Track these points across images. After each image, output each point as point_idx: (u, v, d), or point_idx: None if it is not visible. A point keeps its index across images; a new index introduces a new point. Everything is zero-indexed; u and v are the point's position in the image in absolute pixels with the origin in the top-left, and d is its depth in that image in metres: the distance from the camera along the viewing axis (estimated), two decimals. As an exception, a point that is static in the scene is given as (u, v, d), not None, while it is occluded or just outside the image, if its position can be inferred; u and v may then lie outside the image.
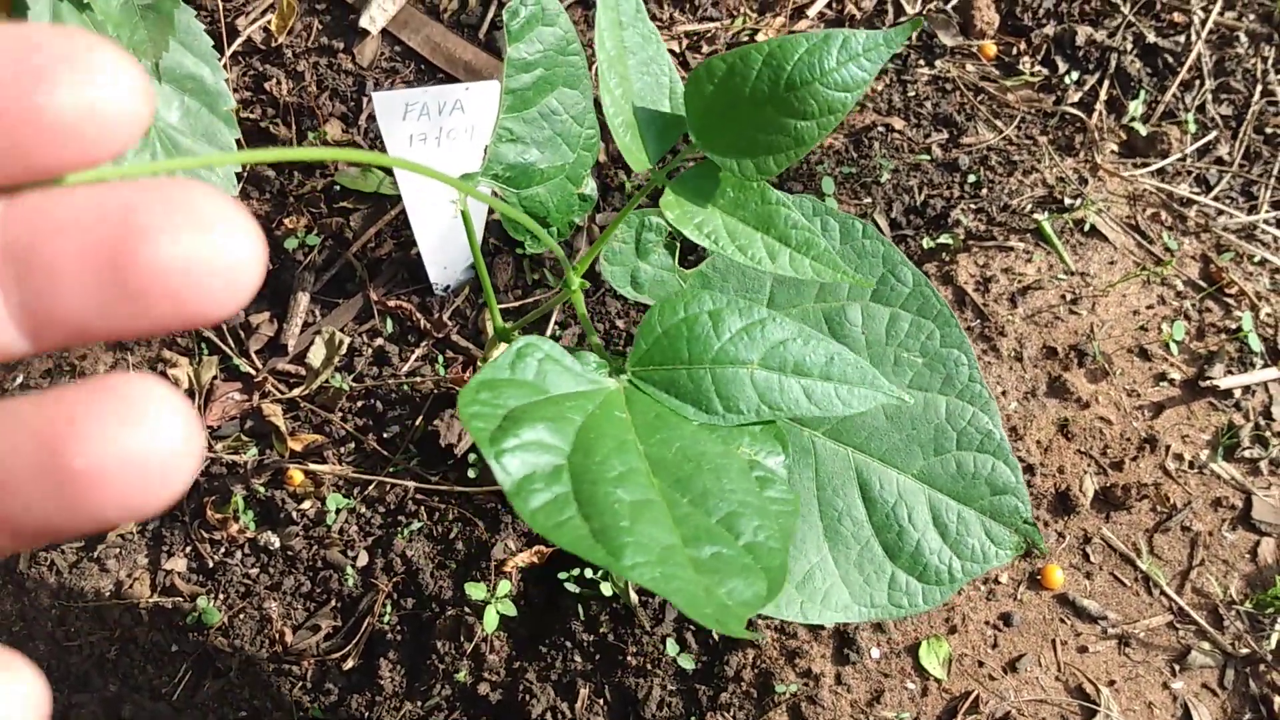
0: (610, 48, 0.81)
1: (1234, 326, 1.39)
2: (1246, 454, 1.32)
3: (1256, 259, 1.44)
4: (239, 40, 1.55)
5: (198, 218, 0.23)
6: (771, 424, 0.74)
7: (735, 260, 0.88)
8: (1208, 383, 1.35)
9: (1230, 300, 1.41)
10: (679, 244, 1.00)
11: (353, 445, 1.34)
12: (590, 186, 1.00)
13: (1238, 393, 1.35)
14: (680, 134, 0.84)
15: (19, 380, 1.37)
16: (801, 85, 0.76)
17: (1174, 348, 1.38)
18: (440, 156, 1.28)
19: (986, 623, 1.24)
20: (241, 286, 0.23)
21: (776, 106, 0.77)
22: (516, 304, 1.40)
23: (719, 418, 0.72)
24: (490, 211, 1.43)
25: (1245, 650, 1.23)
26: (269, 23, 1.57)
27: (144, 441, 0.23)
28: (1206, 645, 1.23)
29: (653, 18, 1.59)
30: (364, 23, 1.56)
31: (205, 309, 0.23)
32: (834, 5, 1.62)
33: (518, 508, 0.57)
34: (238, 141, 1.02)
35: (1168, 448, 1.33)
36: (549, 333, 1.38)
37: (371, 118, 1.52)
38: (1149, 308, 1.41)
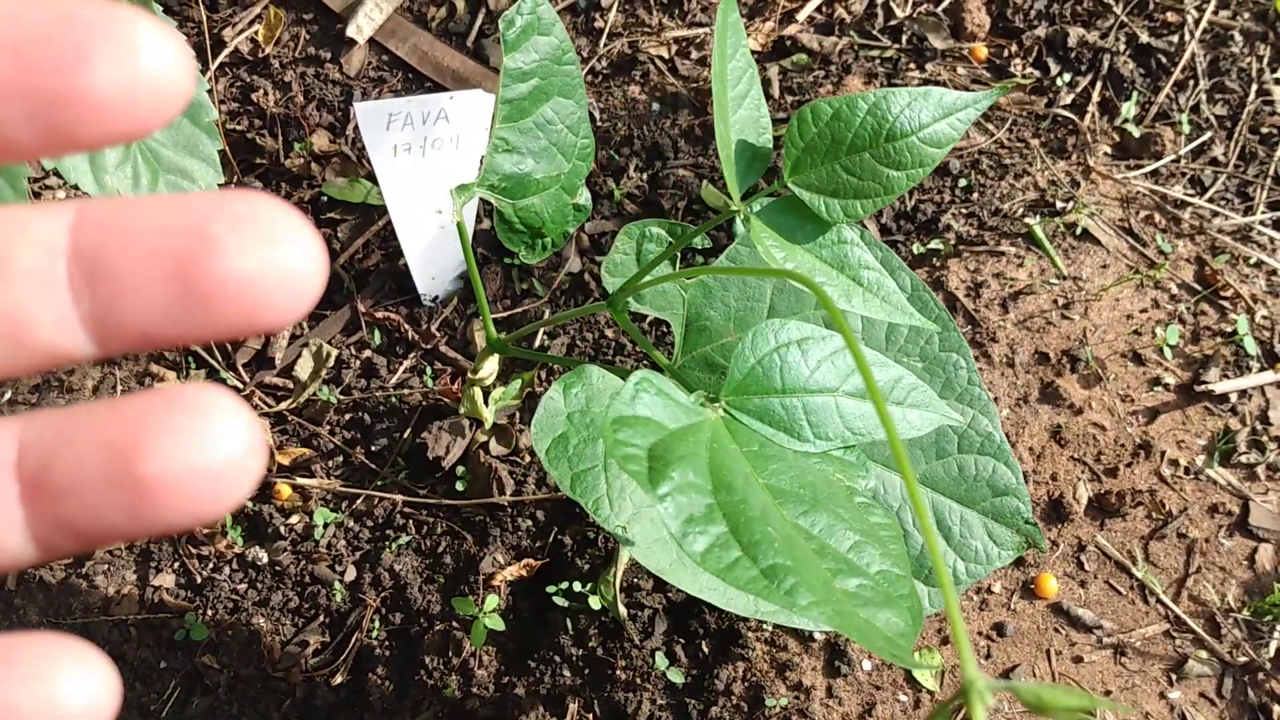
0: (719, 78, 0.83)
1: (1229, 330, 1.38)
2: (1243, 459, 1.31)
3: (1252, 261, 1.43)
4: (225, 51, 1.55)
5: (265, 230, 0.24)
6: (853, 448, 0.75)
7: (754, 265, 0.88)
8: (1203, 387, 1.33)
9: (1225, 303, 1.40)
10: (678, 255, 0.99)
11: (341, 458, 1.33)
12: (585, 196, 0.99)
13: (1234, 397, 1.34)
14: (766, 168, 0.85)
15: (7, 396, 1.37)
16: (900, 137, 0.79)
17: (1168, 352, 1.36)
18: (425, 166, 1.27)
19: (980, 633, 1.23)
20: (305, 294, 0.24)
21: (874, 154, 0.80)
22: (505, 314, 1.39)
23: (810, 445, 0.73)
24: (478, 220, 1.42)
25: (1244, 659, 1.22)
26: (256, 33, 1.56)
27: (212, 449, 0.24)
28: (1204, 654, 1.22)
29: (641, 24, 1.58)
30: (351, 32, 1.55)
31: (270, 317, 0.24)
32: (823, 9, 1.61)
33: (686, 551, 0.58)
34: (221, 152, 1.01)
35: (1163, 453, 1.31)
36: (537, 344, 1.37)
37: (359, 128, 1.51)
38: (1142, 311, 1.39)
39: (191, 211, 0.24)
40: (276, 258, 0.24)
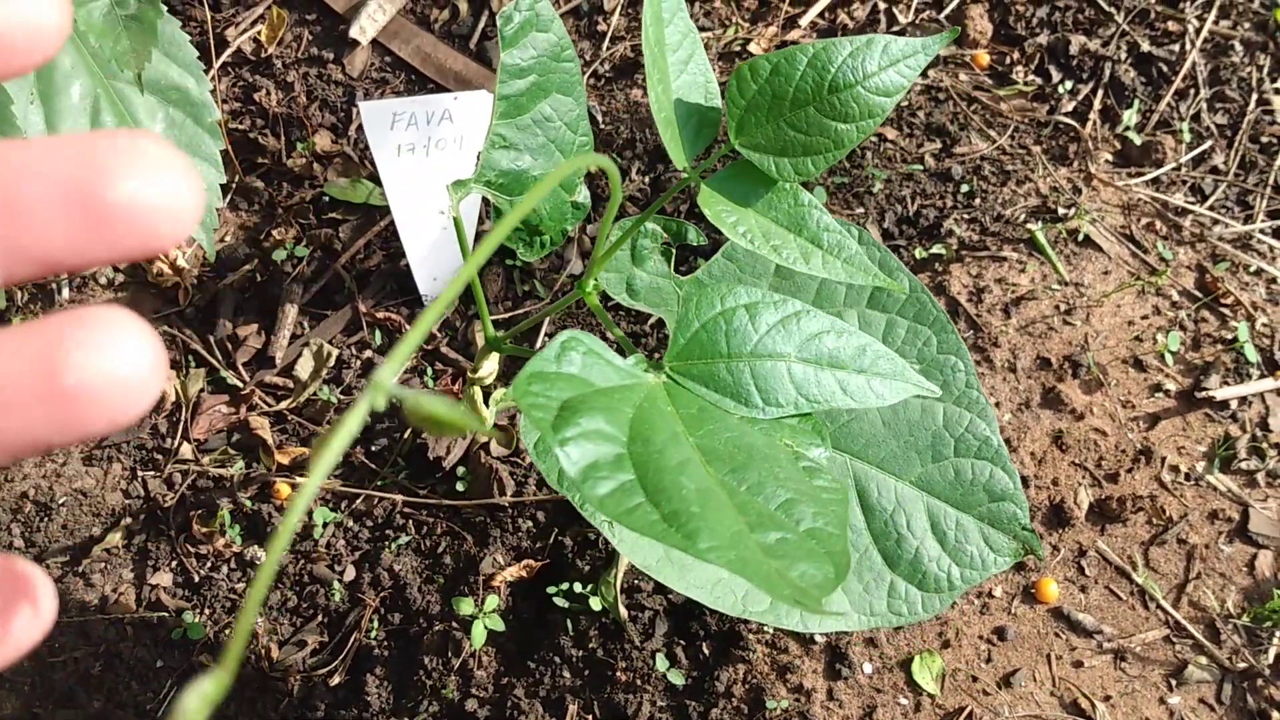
0: (653, 42, 0.82)
1: (1230, 337, 1.38)
2: (1243, 466, 1.31)
3: (1252, 269, 1.43)
4: (228, 51, 1.55)
5: (152, 161, 0.27)
6: (809, 416, 0.74)
7: (750, 260, 0.87)
8: (1203, 394, 1.34)
9: (1226, 310, 1.40)
10: (674, 251, 0.99)
11: (341, 458, 1.33)
12: (583, 194, 0.99)
13: (1234, 404, 1.34)
14: (715, 132, 0.84)
15: None
16: (844, 88, 0.77)
17: (1169, 358, 1.36)
18: (429, 166, 1.27)
19: (980, 637, 1.23)
20: (188, 217, 0.27)
21: (819, 108, 0.78)
22: (506, 315, 1.39)
23: (759, 411, 0.73)
24: (480, 221, 1.42)
25: (1243, 665, 1.22)
26: (259, 33, 1.56)
27: (123, 362, 0.26)
28: (1204, 659, 1.22)
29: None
30: (354, 33, 1.56)
31: (159, 239, 0.27)
32: (826, 15, 1.61)
33: (584, 494, 0.58)
34: (223, 152, 1.01)
35: (1163, 459, 1.31)
36: (539, 343, 1.37)
37: (361, 128, 1.51)
38: (1144, 318, 1.40)
39: (86, 147, 0.26)
40: (163, 183, 0.26)
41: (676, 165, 0.81)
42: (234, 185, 1.47)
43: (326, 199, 1.46)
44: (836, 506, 0.66)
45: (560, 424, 0.60)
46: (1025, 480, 1.30)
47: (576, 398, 0.63)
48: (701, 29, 1.59)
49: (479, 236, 1.42)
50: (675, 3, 0.85)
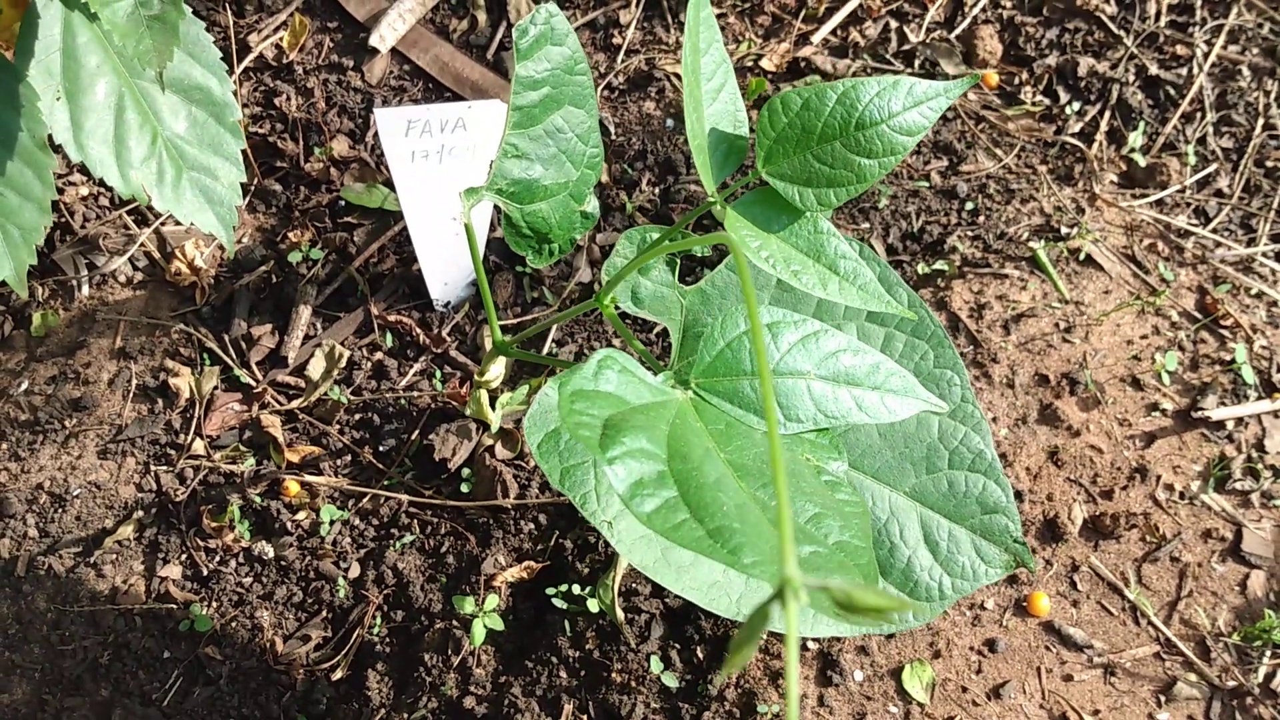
0: (690, 71, 0.85)
1: (1228, 358, 1.39)
2: (1238, 486, 1.32)
3: (1253, 291, 1.44)
4: (251, 56, 1.58)
5: None
6: (826, 431, 0.77)
7: (752, 273, 0.90)
8: (1200, 414, 1.35)
9: (1225, 332, 1.42)
10: (679, 261, 1.02)
11: (349, 457, 1.35)
12: (592, 204, 1.01)
13: (1230, 424, 1.35)
14: (743, 159, 0.88)
15: (23, 386, 1.39)
16: (870, 125, 0.82)
17: (1167, 378, 1.38)
18: (441, 173, 1.30)
19: (971, 648, 1.24)
20: None
21: (845, 143, 0.82)
22: (515, 321, 1.42)
23: (780, 427, 0.75)
24: (491, 228, 1.45)
25: (1232, 683, 1.23)
26: (281, 39, 1.59)
27: None
28: (1193, 677, 1.23)
29: (659, 42, 1.61)
30: (374, 41, 1.59)
31: None
32: (837, 32, 1.63)
33: (632, 511, 0.62)
34: (243, 153, 1.04)
35: (1158, 478, 1.33)
36: (546, 349, 1.40)
37: (378, 135, 1.54)
38: (1143, 338, 1.41)
39: None
40: None
41: (706, 189, 0.85)
42: (252, 188, 1.50)
43: (342, 203, 1.49)
44: (859, 520, 0.69)
45: (607, 442, 0.64)
46: (1020, 495, 1.32)
47: (617, 415, 0.67)
48: (715, 44, 1.62)
49: (489, 244, 1.45)
50: (711, 34, 0.88)
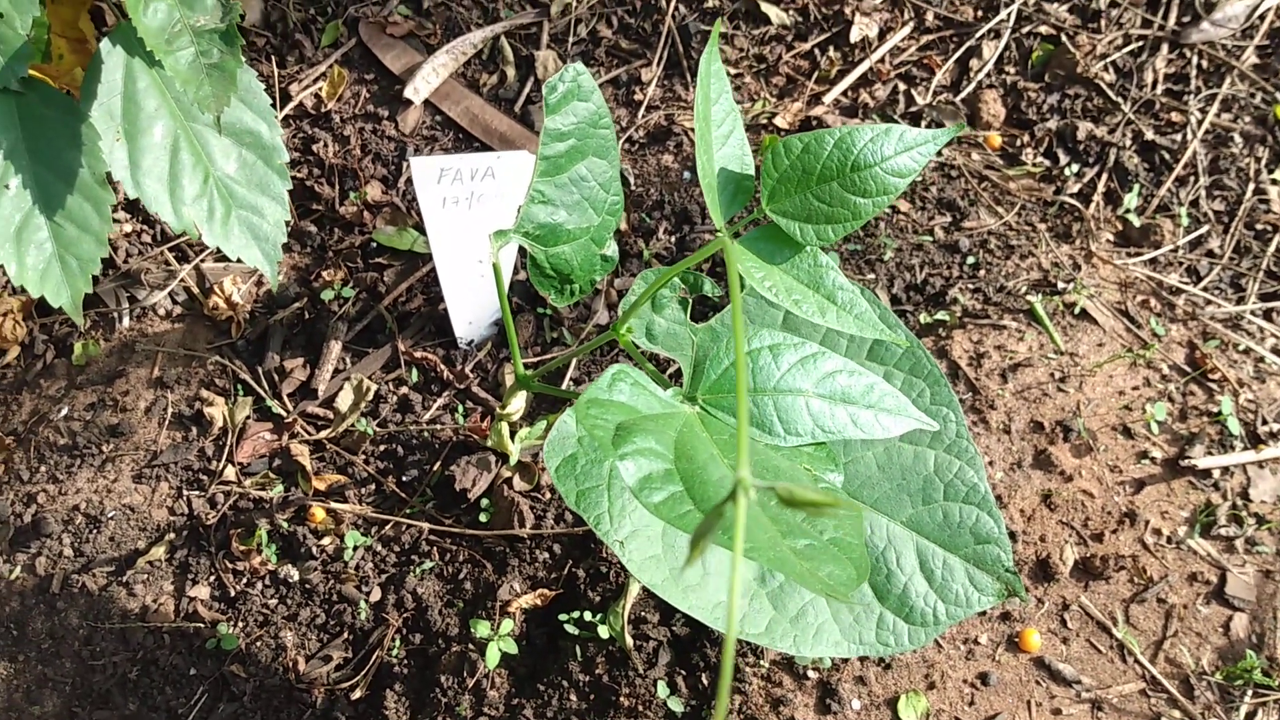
0: (702, 118, 0.93)
1: (1215, 410, 1.45)
2: (1222, 532, 1.38)
3: (1241, 347, 1.51)
4: (291, 104, 1.66)
5: None
6: (823, 445, 0.84)
7: (760, 312, 0.97)
8: (1188, 462, 1.41)
9: (1213, 385, 1.48)
10: (691, 303, 1.08)
11: (373, 486, 1.42)
12: (612, 248, 1.08)
13: (1216, 473, 1.41)
14: (749, 198, 0.95)
15: (63, 412, 1.46)
16: (865, 167, 0.88)
17: (1156, 428, 1.44)
18: (470, 218, 1.37)
19: (965, 681, 1.29)
20: None
21: (842, 183, 0.89)
22: (535, 359, 1.48)
23: (780, 439, 0.83)
24: (515, 272, 1.52)
25: (1217, 722, 1.28)
26: (320, 89, 1.68)
27: None
28: (1177, 714, 1.28)
29: (678, 99, 1.69)
30: (408, 93, 1.67)
31: None
32: (848, 93, 1.71)
33: (641, 502, 0.68)
34: (289, 192, 1.11)
35: (1147, 523, 1.38)
36: (564, 384, 1.46)
37: (410, 181, 1.62)
38: (1134, 389, 1.47)
39: None
40: None
41: (715, 224, 0.91)
42: (289, 229, 1.58)
43: (374, 245, 1.57)
44: (853, 521, 0.75)
45: (619, 441, 0.71)
46: (1014, 536, 1.37)
47: (629, 421, 0.74)
48: (730, 102, 1.70)
49: (512, 286, 1.52)
50: (721, 85, 0.96)
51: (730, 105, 0.96)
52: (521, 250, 1.46)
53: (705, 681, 1.27)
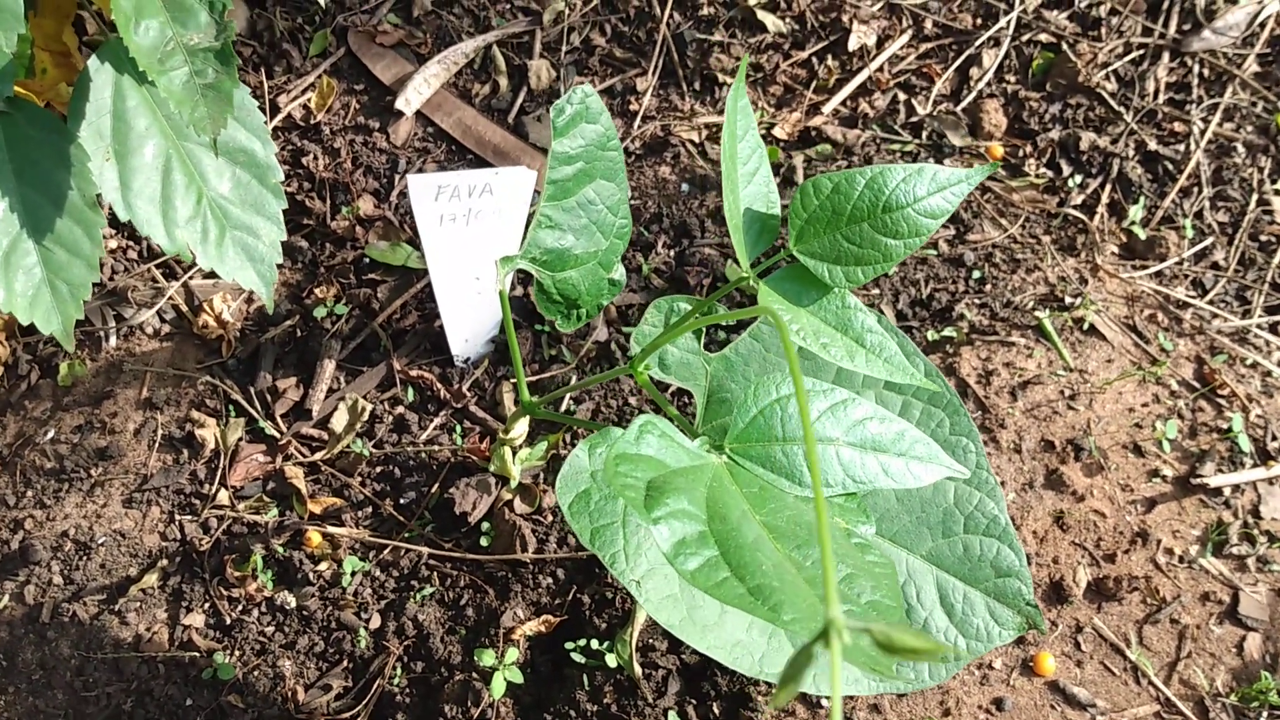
0: (729, 156, 0.90)
1: (1225, 426, 1.44)
2: (1235, 551, 1.36)
3: (1249, 362, 1.49)
4: (280, 116, 1.63)
5: None
6: (854, 496, 0.81)
7: (774, 340, 0.94)
8: (1199, 480, 1.39)
9: (1222, 401, 1.46)
10: (703, 330, 1.06)
11: (370, 510, 1.39)
12: (619, 272, 1.06)
13: (1227, 491, 1.40)
14: (774, 238, 0.92)
15: (50, 434, 1.42)
16: (897, 209, 0.87)
17: (1167, 445, 1.42)
18: (467, 235, 1.34)
19: (980, 706, 1.28)
20: None
21: (873, 224, 0.87)
22: (534, 378, 1.45)
23: (810, 490, 0.79)
24: (511, 288, 1.49)
25: (1231, 744, 1.26)
26: (309, 100, 1.64)
27: None
28: (1193, 737, 1.27)
29: (674, 109, 1.66)
30: (399, 104, 1.64)
31: None
32: (847, 103, 1.69)
33: (676, 569, 0.66)
34: (284, 211, 1.08)
35: (1159, 542, 1.37)
36: (564, 407, 1.44)
37: (402, 194, 1.58)
38: (1144, 406, 1.46)
39: None
40: None
41: (741, 266, 0.89)
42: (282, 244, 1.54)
43: (367, 260, 1.54)
44: (889, 581, 0.72)
45: (651, 503, 0.68)
46: (1028, 557, 1.35)
47: (659, 478, 0.71)
48: (729, 112, 1.67)
49: (510, 303, 1.49)
50: (748, 122, 0.93)
51: (756, 141, 0.94)
52: (519, 269, 1.43)
53: (716, 711, 1.24)
